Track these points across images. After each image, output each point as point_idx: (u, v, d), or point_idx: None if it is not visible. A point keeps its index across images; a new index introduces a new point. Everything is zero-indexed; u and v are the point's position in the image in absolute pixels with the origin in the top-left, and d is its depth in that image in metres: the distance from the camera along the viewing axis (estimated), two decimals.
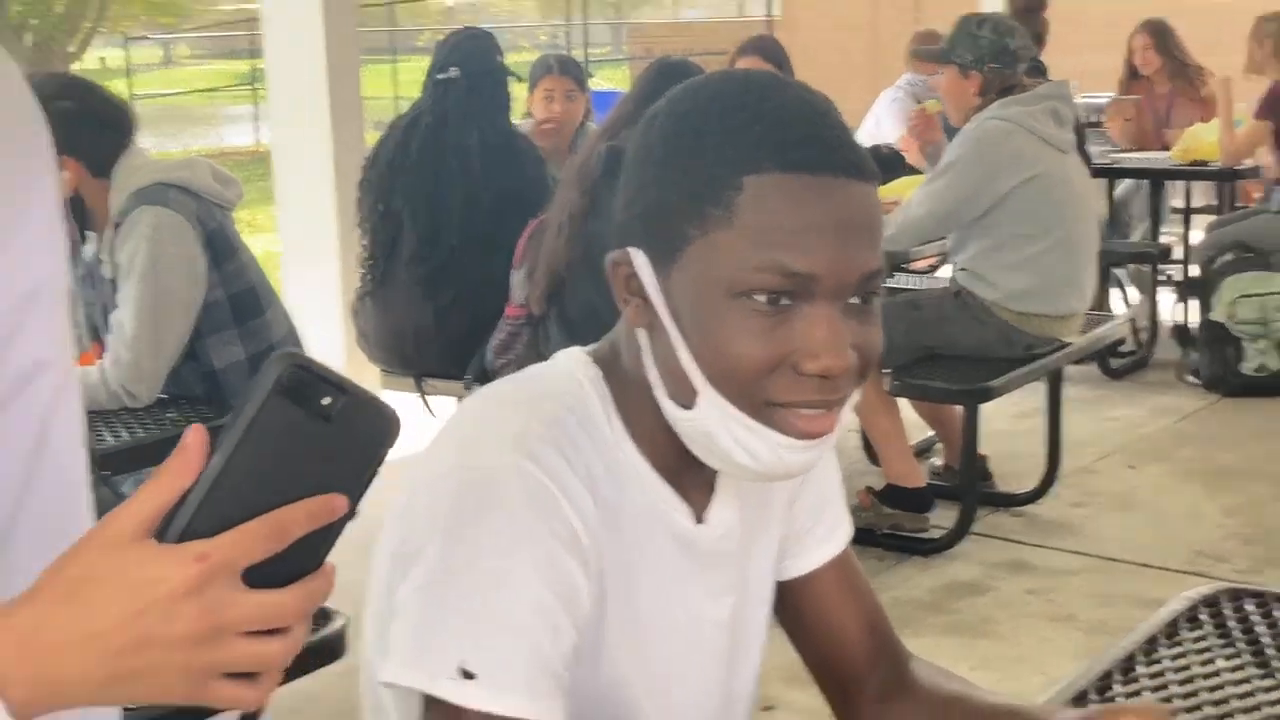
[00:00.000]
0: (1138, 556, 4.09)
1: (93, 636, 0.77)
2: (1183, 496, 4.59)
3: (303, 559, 0.79)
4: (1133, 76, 6.75)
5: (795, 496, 1.34)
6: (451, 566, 1.10)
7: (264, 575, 0.78)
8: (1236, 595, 1.75)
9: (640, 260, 1.14)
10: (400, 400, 4.55)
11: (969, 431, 4.17)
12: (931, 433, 4.78)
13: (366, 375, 4.63)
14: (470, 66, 3.92)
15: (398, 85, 17.13)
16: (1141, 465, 4.92)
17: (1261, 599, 1.74)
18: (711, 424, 1.12)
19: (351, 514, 0.81)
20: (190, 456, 0.77)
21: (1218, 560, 4.04)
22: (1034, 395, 4.60)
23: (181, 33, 29.92)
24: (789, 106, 1.12)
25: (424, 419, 4.21)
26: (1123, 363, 5.97)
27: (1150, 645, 1.63)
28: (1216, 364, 5.63)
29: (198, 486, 0.77)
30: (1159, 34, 6.66)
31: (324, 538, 0.80)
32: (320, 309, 4.91)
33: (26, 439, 0.95)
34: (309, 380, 0.78)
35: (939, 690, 1.36)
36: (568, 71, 5.19)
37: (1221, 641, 1.63)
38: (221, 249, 2.74)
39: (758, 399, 1.10)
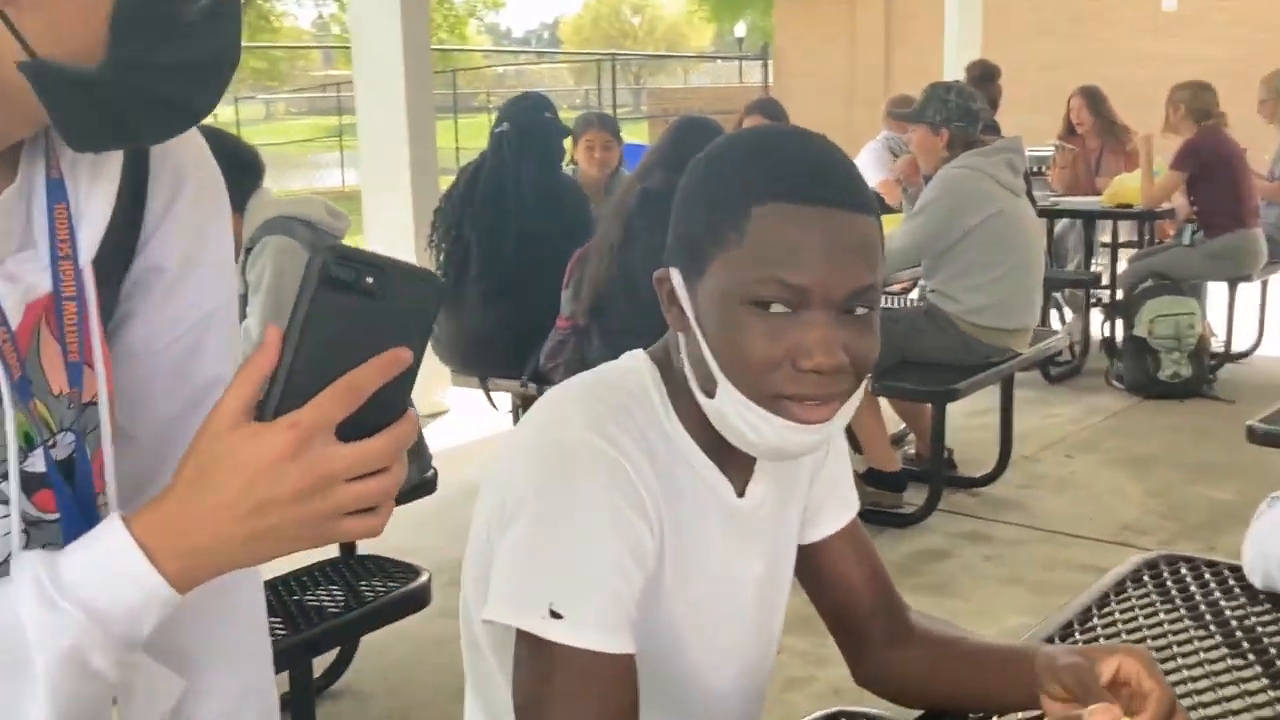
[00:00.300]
0: (1074, 529, 4.08)
1: (220, 509, 0.77)
2: (1110, 480, 4.57)
3: (386, 410, 0.78)
4: (1070, 132, 6.71)
5: (815, 476, 1.34)
6: (542, 525, 1.10)
7: (356, 429, 0.77)
8: (1172, 560, 1.74)
9: (676, 277, 1.15)
10: (468, 396, 4.58)
11: (937, 426, 4.14)
12: (904, 425, 4.78)
13: (439, 375, 4.64)
14: (519, 121, 3.92)
15: (459, 138, 17.18)
16: (1076, 454, 4.90)
17: (1193, 563, 1.73)
18: (726, 409, 1.12)
19: (417, 364, 0.78)
20: (268, 350, 0.77)
21: (1140, 533, 4.02)
22: (987, 395, 4.57)
23: (281, 94, 29.98)
24: (789, 150, 1.13)
25: (488, 410, 4.23)
26: (1060, 370, 5.95)
27: (1103, 600, 1.62)
28: (1138, 372, 5.61)
29: (278, 372, 0.76)
30: (1092, 97, 6.62)
31: (401, 387, 0.78)
32: None
33: None
34: (350, 266, 0.76)
35: (935, 634, 1.35)
36: (606, 126, 5.25)
37: (1161, 598, 1.63)
38: None
39: (765, 392, 1.10)
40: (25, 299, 0.84)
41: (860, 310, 1.10)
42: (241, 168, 2.71)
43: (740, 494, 1.23)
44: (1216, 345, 5.95)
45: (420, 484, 2.81)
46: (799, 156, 1.12)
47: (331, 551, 2.72)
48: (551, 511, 1.10)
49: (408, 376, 0.78)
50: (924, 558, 3.88)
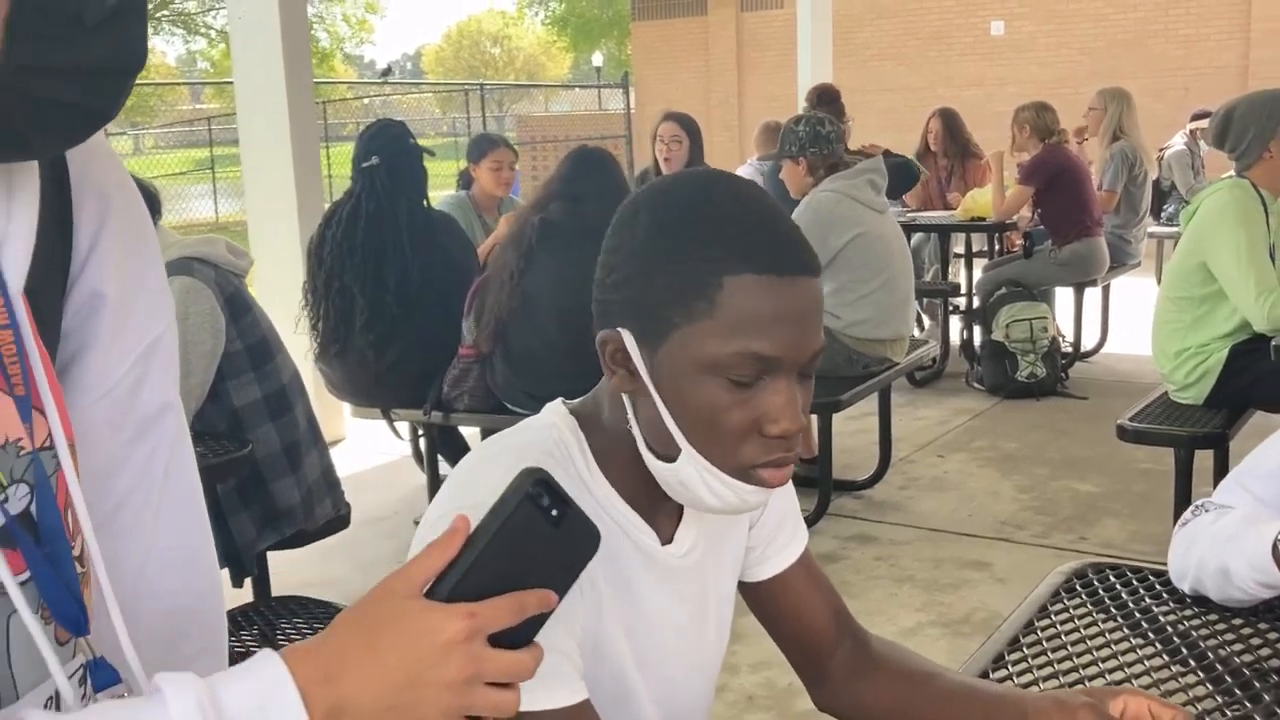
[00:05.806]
0: (955, 527, 4.10)
1: (379, 668, 0.74)
2: (982, 478, 4.61)
3: (518, 635, 0.79)
4: (925, 151, 6.82)
5: (755, 519, 1.29)
6: None
7: (495, 642, 0.78)
8: (1099, 569, 1.71)
9: (629, 340, 1.06)
10: (369, 426, 4.41)
11: (824, 435, 4.13)
12: None
13: (336, 408, 4.45)
14: (387, 152, 3.73)
15: (330, 166, 16.81)
16: (948, 454, 4.94)
17: (1119, 570, 1.71)
18: (688, 475, 1.07)
19: (553, 608, 0.80)
20: (456, 537, 0.78)
21: (1017, 528, 4.05)
22: (860, 402, 4.56)
23: (149, 129, 28.99)
24: (753, 215, 1.06)
25: (386, 436, 4.08)
26: (924, 374, 6.02)
27: (1041, 612, 1.58)
28: (997, 373, 5.71)
29: (460, 561, 0.77)
30: (949, 120, 6.75)
31: (536, 622, 0.80)
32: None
33: (158, 469, 0.90)
34: (549, 494, 0.79)
35: (906, 667, 1.29)
36: (509, 146, 5.22)
37: (1095, 607, 1.60)
38: (238, 307, 2.57)
39: (737, 464, 1.05)
40: None
41: (809, 371, 1.07)
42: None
43: (667, 541, 1.18)
44: (1066, 346, 6.09)
45: (335, 519, 2.66)
46: (763, 225, 1.05)
47: (245, 596, 2.56)
48: None
49: (543, 616, 0.80)
50: (818, 561, 3.84)
